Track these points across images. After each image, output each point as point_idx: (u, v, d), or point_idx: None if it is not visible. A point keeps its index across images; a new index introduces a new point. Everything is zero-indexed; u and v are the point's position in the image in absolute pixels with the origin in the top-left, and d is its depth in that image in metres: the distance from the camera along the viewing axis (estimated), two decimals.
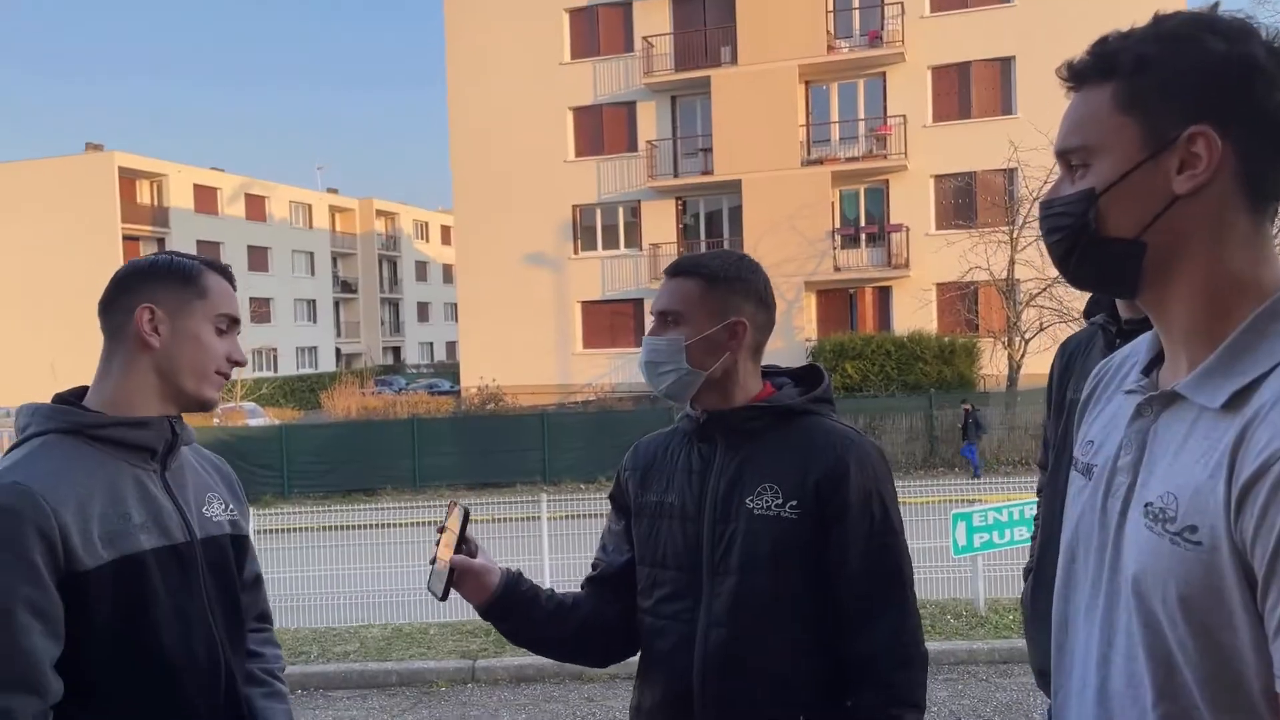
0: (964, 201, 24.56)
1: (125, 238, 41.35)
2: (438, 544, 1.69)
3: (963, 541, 6.90)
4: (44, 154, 47.23)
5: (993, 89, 24.98)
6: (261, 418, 27.73)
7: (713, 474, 1.68)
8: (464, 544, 1.69)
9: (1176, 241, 0.97)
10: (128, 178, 43.24)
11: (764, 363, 1.79)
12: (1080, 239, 1.01)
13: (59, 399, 1.55)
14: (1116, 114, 0.98)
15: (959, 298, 22.75)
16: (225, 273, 1.63)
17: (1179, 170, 0.95)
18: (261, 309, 46.79)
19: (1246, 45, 0.94)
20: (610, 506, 1.87)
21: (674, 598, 1.67)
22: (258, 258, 48.66)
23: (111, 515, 1.42)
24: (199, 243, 45.29)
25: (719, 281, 1.67)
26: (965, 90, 25.23)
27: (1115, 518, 1.01)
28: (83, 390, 1.57)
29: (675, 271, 1.72)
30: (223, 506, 1.63)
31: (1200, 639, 0.90)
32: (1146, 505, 0.96)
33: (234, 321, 1.61)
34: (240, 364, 1.61)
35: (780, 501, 1.60)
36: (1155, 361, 1.07)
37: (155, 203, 44.74)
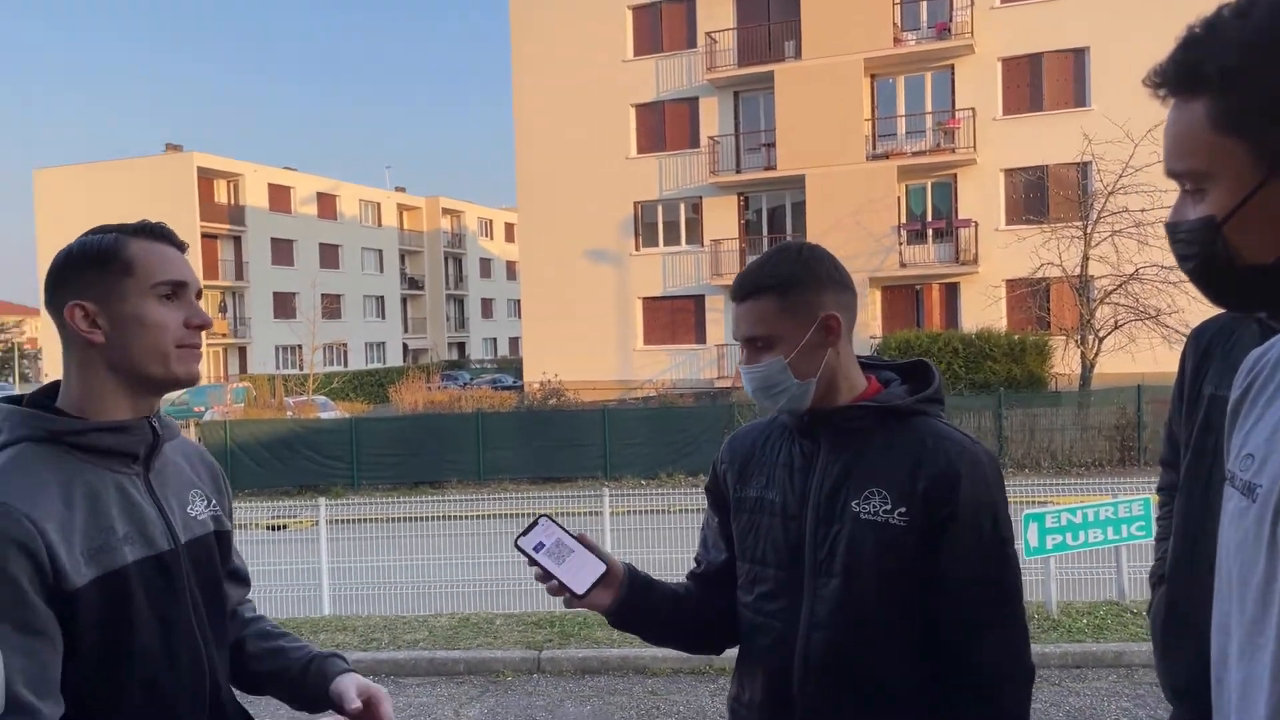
0: (1035, 196, 23.98)
1: (204, 235, 42.63)
2: (537, 565, 1.64)
3: (1035, 543, 6.76)
4: (126, 154, 48.97)
5: (1065, 80, 24.33)
6: (332, 411, 28.39)
7: (816, 473, 1.63)
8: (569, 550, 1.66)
9: None
10: (206, 177, 44.60)
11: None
12: (1212, 268, 0.91)
13: (32, 401, 1.44)
14: (1215, 135, 0.87)
15: (1030, 294, 22.18)
16: (156, 233, 1.46)
17: None
18: (333, 305, 47.94)
19: None
20: (707, 500, 1.83)
21: (774, 595, 1.65)
22: (329, 255, 49.86)
23: (94, 530, 1.33)
24: (273, 240, 46.62)
25: (792, 288, 1.60)
26: (1037, 82, 24.62)
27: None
28: (51, 389, 1.46)
29: (745, 294, 1.63)
30: (205, 504, 1.54)
31: None
32: None
33: (179, 284, 1.43)
34: (203, 326, 1.45)
35: (889, 507, 1.55)
36: None
37: (232, 201, 46.05)
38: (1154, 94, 0.94)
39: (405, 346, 55.86)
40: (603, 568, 1.65)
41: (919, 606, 1.56)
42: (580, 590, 1.62)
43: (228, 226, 44.86)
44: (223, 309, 47.06)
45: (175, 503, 1.48)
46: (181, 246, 1.49)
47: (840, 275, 1.66)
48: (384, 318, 54.21)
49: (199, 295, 1.48)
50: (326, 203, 50.88)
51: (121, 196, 42.58)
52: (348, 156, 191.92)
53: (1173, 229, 0.95)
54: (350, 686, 1.54)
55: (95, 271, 1.39)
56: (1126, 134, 18.22)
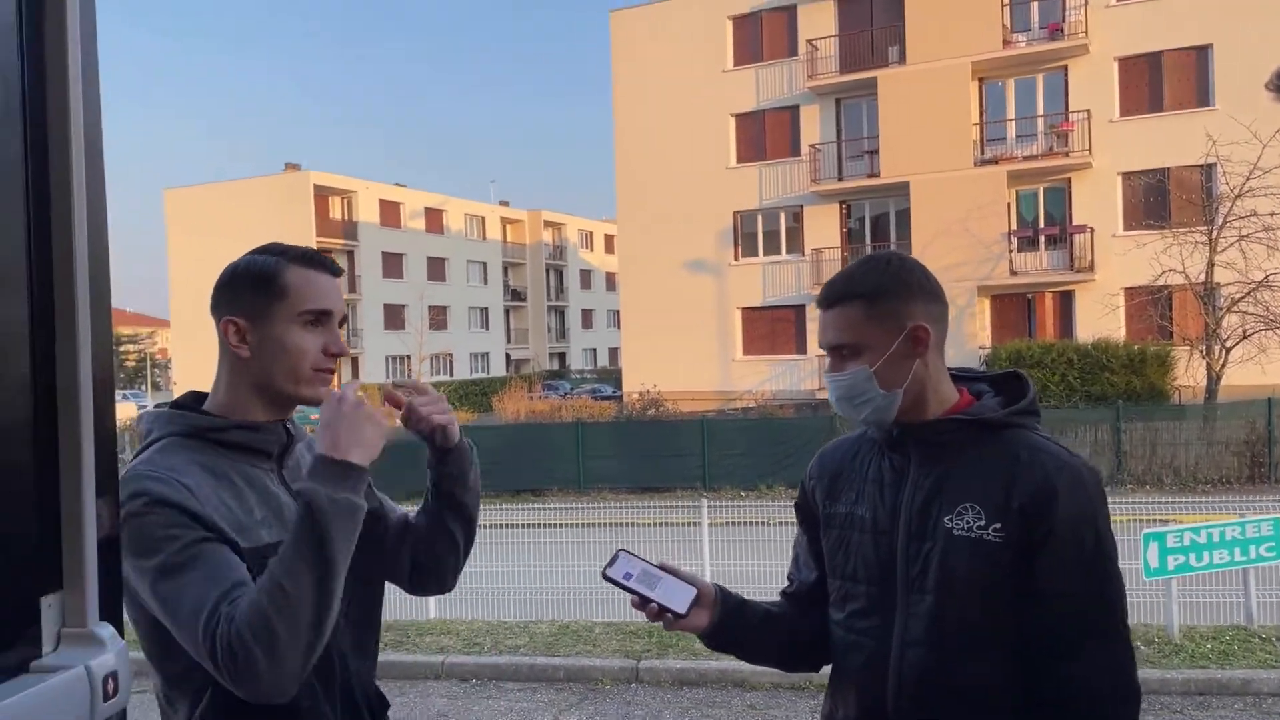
0: (1156, 200, 22.89)
1: (320, 250, 44.33)
2: (632, 591, 1.65)
3: (1155, 564, 6.45)
4: (247, 174, 51.62)
5: (1187, 80, 23.19)
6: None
7: (906, 488, 1.60)
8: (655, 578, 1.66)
9: None
10: (321, 195, 46.55)
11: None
12: None
13: (177, 404, 1.58)
14: None
15: (1150, 302, 21.18)
16: (315, 261, 1.57)
17: None
18: (439, 317, 49.31)
19: None
20: (797, 517, 1.82)
21: (867, 613, 1.62)
22: (436, 268, 51.35)
23: (237, 510, 1.43)
24: (384, 254, 48.26)
25: (880, 296, 1.58)
26: (1156, 82, 23.53)
27: None
28: (199, 394, 1.60)
29: (831, 301, 1.62)
30: None
31: None
32: None
33: (324, 313, 1.54)
34: (339, 355, 1.55)
35: (983, 524, 1.52)
36: None
37: (345, 217, 47.93)
38: (1276, 98, 0.91)
39: (508, 357, 57.01)
40: (694, 590, 1.66)
41: (1015, 623, 1.52)
42: (682, 610, 1.63)
43: (342, 241, 46.65)
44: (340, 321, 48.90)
45: None
46: (336, 272, 1.60)
47: (931, 285, 1.63)
48: (488, 329, 55.50)
49: (343, 322, 1.60)
50: (434, 217, 52.42)
51: (244, 214, 44.83)
52: (454, 172, 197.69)
53: None
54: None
55: (252, 292, 1.53)
56: (1254, 134, 17.28)
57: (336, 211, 47.92)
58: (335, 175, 47.56)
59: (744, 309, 28.04)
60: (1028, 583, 1.51)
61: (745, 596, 1.76)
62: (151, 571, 1.34)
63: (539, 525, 10.30)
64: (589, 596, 8.66)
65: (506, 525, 10.53)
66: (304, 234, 44.22)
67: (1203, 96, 22.83)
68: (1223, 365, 18.68)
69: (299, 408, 1.60)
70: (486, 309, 55.60)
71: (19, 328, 1.15)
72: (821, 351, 1.69)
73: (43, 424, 1.20)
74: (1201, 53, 22.82)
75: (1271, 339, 17.77)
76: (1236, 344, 18.34)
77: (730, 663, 6.35)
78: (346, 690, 1.54)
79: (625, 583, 1.64)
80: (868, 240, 26.93)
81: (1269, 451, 16.01)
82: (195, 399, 1.60)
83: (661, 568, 1.67)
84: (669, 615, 1.63)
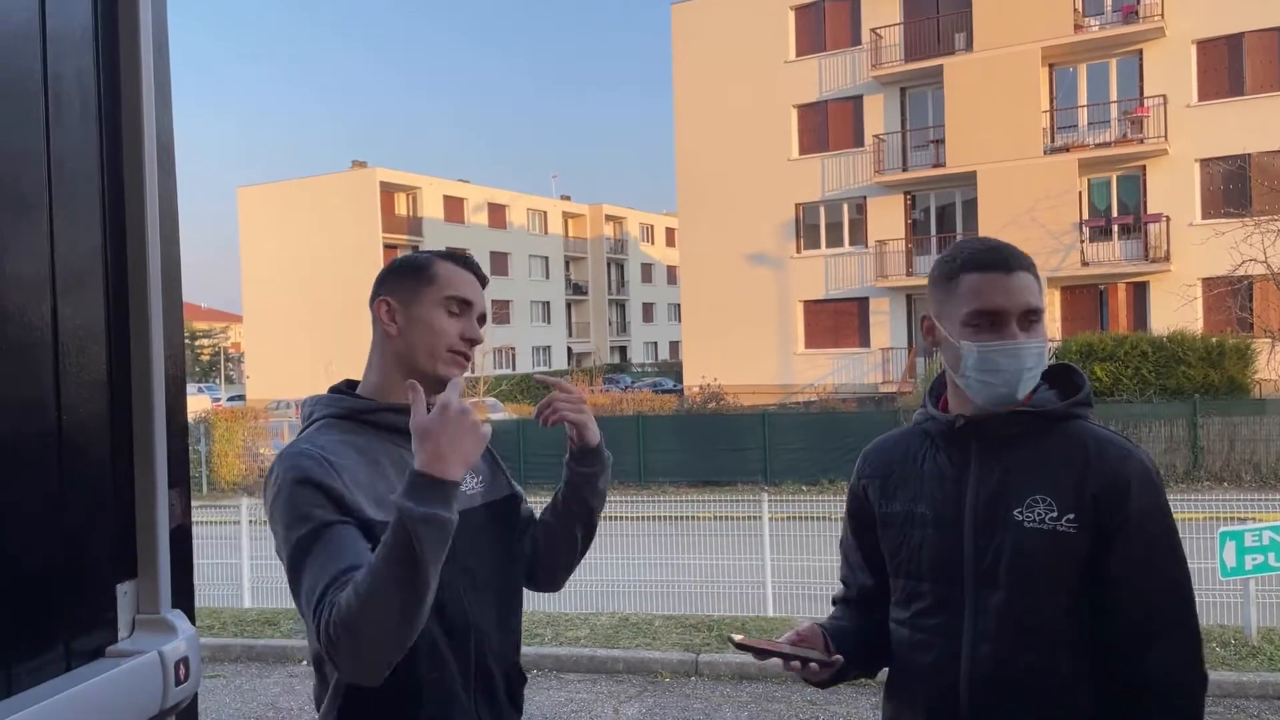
0: (1236, 187, 22.06)
1: (386, 246, 45.28)
2: (771, 652, 1.64)
3: (1232, 563, 6.23)
4: (316, 172, 52.76)
5: (1270, 62, 22.25)
6: (501, 412, 29.50)
7: (970, 482, 1.60)
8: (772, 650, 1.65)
9: None
10: (387, 191, 47.34)
11: None
12: None
13: (334, 390, 1.73)
14: None
15: (1229, 293, 20.39)
16: (461, 260, 1.72)
17: None
18: (501, 311, 49.84)
19: None
20: (849, 522, 1.80)
21: (934, 611, 1.61)
22: (499, 263, 51.87)
23: (380, 484, 1.55)
24: (448, 249, 48.80)
25: (1036, 278, 1.61)
26: (1237, 64, 22.64)
27: None
28: (352, 381, 1.74)
29: (1015, 266, 1.58)
30: (475, 479, 1.72)
31: None
32: None
33: (465, 303, 1.67)
34: (475, 341, 1.67)
35: (1055, 515, 1.52)
36: None
37: (410, 213, 48.68)
38: None
39: (569, 350, 57.38)
40: (798, 635, 1.65)
41: (1089, 616, 1.53)
42: (827, 654, 1.61)
43: (407, 237, 47.41)
44: None
45: None
46: (483, 280, 1.75)
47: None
48: (549, 322, 55.92)
49: (483, 320, 1.72)
50: (496, 213, 52.97)
51: (313, 211, 45.85)
52: (517, 167, 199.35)
53: None
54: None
55: (406, 277, 1.69)
56: None
57: (402, 208, 48.69)
58: (400, 172, 48.32)
59: (806, 302, 27.78)
60: (1102, 573, 1.51)
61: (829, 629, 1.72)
62: (288, 545, 1.48)
63: (600, 518, 10.34)
64: (649, 590, 8.69)
65: None
66: (371, 230, 45.02)
67: None
68: None
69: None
70: (548, 303, 56.03)
71: (96, 327, 1.20)
72: (886, 345, 1.66)
73: (118, 419, 1.25)
74: None
75: None
76: None
77: None
78: (482, 664, 1.62)
79: (759, 646, 1.63)
80: (933, 231, 26.47)
81: None
82: (349, 385, 1.74)
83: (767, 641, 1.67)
84: (813, 665, 1.60)
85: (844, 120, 27.34)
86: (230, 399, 45.78)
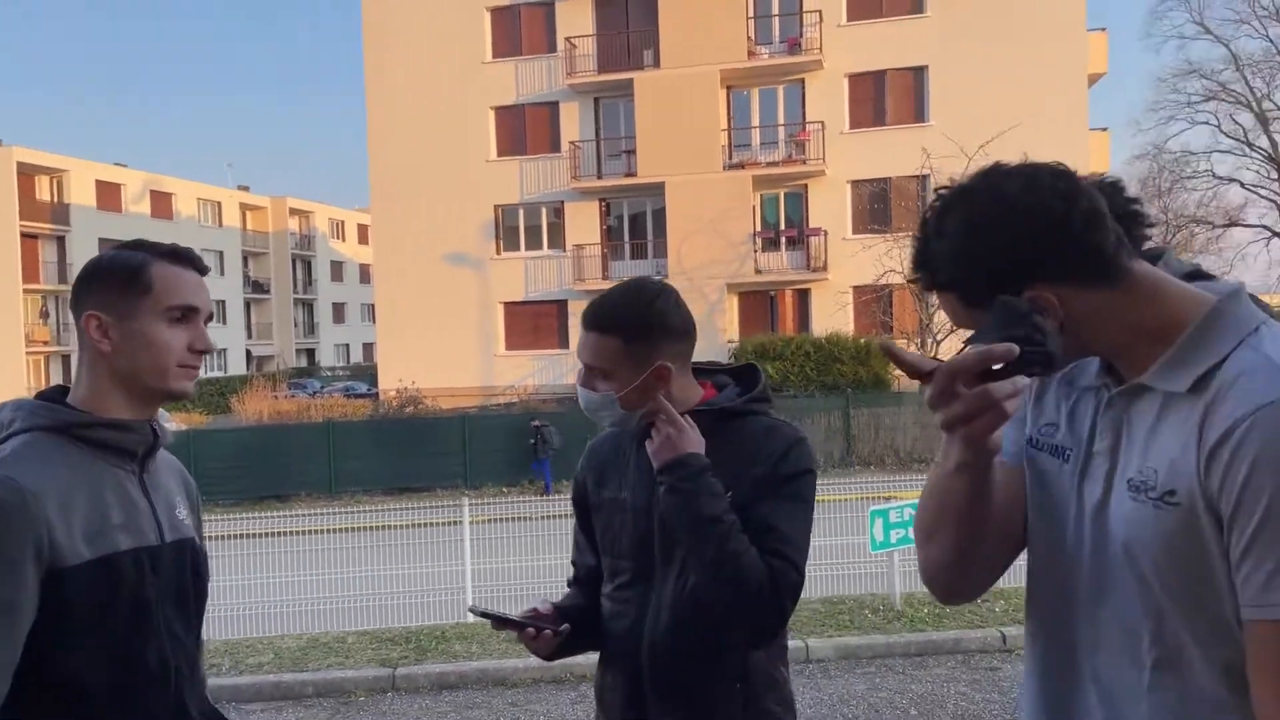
0: (879, 206, 25.12)
1: (23, 235, 39.51)
2: (506, 622, 1.80)
3: (880, 537, 7.04)
4: None
5: (907, 97, 25.61)
6: (167, 423, 26.73)
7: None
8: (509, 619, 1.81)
9: None
10: (26, 174, 41.36)
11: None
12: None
13: (42, 396, 1.55)
14: (967, 310, 1.18)
15: (874, 300, 23.25)
16: (182, 256, 1.57)
17: None
18: None
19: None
20: (574, 507, 1.98)
21: (630, 584, 1.82)
22: None
23: (93, 515, 1.43)
24: (101, 241, 43.53)
25: (636, 337, 1.73)
26: (880, 98, 25.81)
27: (1099, 495, 1.17)
28: (62, 388, 1.57)
29: (593, 325, 1.77)
30: (186, 511, 1.65)
31: (1185, 585, 1.08)
32: (1129, 481, 1.13)
33: (190, 309, 1.55)
34: (205, 351, 1.57)
35: (730, 495, 1.70)
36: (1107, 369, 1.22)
37: (55, 199, 42.89)
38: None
39: (249, 353, 53.32)
40: (533, 611, 1.83)
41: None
42: (557, 625, 1.79)
43: (51, 226, 41.73)
44: (44, 315, 43.65)
45: (164, 504, 1.58)
46: (202, 270, 1.60)
47: (682, 323, 1.79)
48: (225, 323, 51.51)
49: (209, 319, 1.60)
50: (161, 201, 48.03)
51: None
52: (184, 153, 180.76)
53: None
54: None
55: (117, 286, 1.52)
56: (960, 149, 19.32)
57: (44, 193, 42.74)
58: (43, 152, 42.37)
59: (506, 303, 27.86)
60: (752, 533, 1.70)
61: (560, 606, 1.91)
62: None
63: (284, 534, 9.65)
64: (342, 606, 8.24)
65: (247, 535, 9.81)
66: (5, 217, 39.08)
67: (920, 113, 25.28)
68: (934, 356, 20.77)
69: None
70: (224, 302, 51.61)
71: None
72: None
73: None
74: (919, 73, 25.26)
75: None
76: (945, 337, 20.48)
77: (490, 661, 6.26)
78: (181, 708, 1.56)
79: (491, 612, 1.79)
80: (626, 238, 27.60)
81: None
82: (60, 392, 1.57)
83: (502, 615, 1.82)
84: (547, 633, 1.77)
85: (541, 125, 27.74)
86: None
